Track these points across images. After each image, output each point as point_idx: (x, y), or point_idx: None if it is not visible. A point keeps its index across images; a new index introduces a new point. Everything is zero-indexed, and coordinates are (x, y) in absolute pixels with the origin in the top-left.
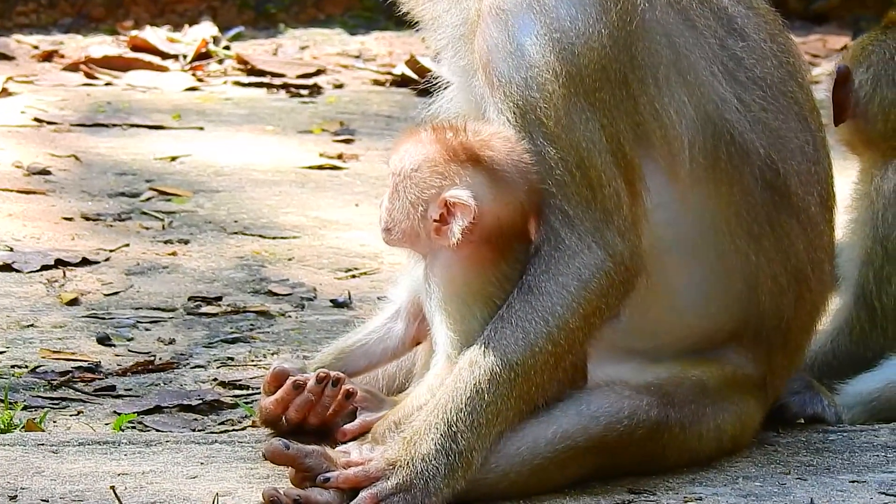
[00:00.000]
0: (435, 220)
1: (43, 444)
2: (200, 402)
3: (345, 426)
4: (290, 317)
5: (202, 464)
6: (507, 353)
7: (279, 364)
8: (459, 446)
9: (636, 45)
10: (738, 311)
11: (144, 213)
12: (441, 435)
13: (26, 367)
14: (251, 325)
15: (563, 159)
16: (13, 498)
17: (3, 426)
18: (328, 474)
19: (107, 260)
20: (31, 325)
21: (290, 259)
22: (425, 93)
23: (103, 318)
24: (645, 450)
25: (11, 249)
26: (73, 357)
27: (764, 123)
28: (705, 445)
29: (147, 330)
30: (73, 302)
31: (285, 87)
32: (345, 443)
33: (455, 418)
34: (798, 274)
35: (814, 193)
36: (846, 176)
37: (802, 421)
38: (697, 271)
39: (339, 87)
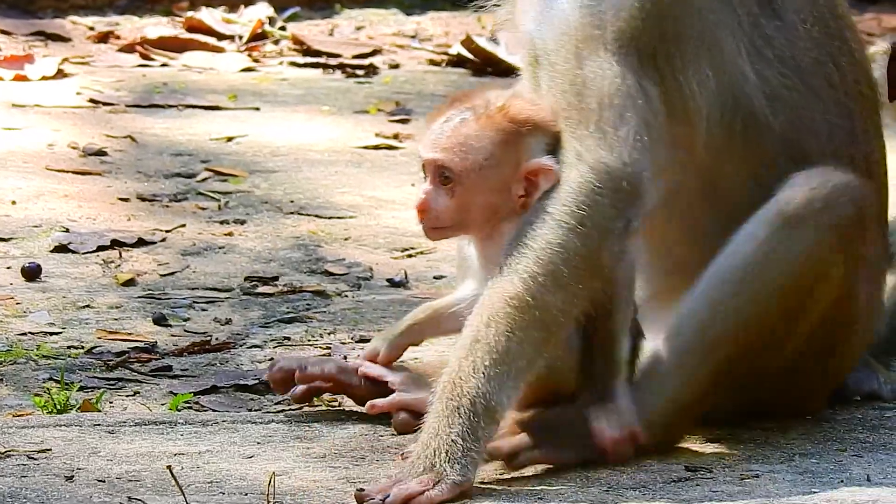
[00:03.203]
0: (520, 196)
1: (99, 425)
2: (257, 381)
3: (376, 400)
4: (346, 296)
5: (259, 443)
6: (506, 289)
7: (374, 346)
8: (470, 402)
9: (667, 19)
10: None
11: (200, 194)
12: (448, 399)
13: (82, 347)
14: (307, 304)
15: (573, 86)
16: (70, 478)
17: (59, 407)
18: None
19: (163, 240)
20: (87, 306)
21: (346, 239)
22: (481, 72)
23: (159, 299)
24: None
25: (67, 230)
26: (129, 337)
27: (785, 101)
28: None
29: (203, 310)
30: (130, 282)
31: (341, 67)
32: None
33: (461, 373)
34: None
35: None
36: None
37: (858, 398)
38: (710, 223)
39: (395, 67)
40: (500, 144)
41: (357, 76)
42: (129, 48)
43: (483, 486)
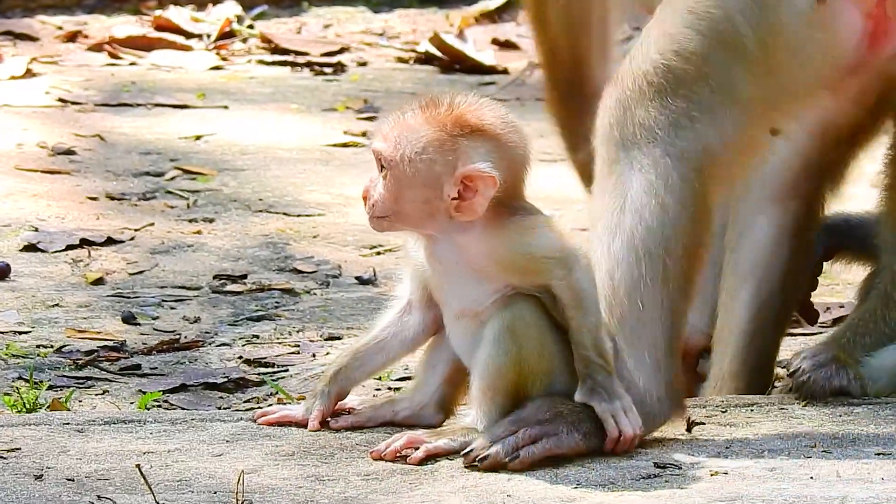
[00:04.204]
0: (454, 198)
1: (68, 424)
2: (226, 380)
3: (338, 418)
4: (315, 294)
5: (228, 441)
6: None
7: (307, 406)
8: None
9: None
10: None
11: (169, 193)
12: None
13: (52, 346)
14: (276, 302)
15: None
16: (39, 477)
17: (28, 406)
18: None
19: (132, 239)
20: (57, 305)
21: (314, 236)
22: (449, 70)
23: (128, 297)
24: None
25: (36, 229)
26: (98, 336)
27: None
28: None
29: (172, 308)
30: (98, 281)
31: (309, 65)
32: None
33: None
34: None
35: None
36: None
37: (827, 394)
38: None
39: (363, 64)
40: (436, 142)
41: (325, 74)
42: (97, 47)
43: (451, 483)
